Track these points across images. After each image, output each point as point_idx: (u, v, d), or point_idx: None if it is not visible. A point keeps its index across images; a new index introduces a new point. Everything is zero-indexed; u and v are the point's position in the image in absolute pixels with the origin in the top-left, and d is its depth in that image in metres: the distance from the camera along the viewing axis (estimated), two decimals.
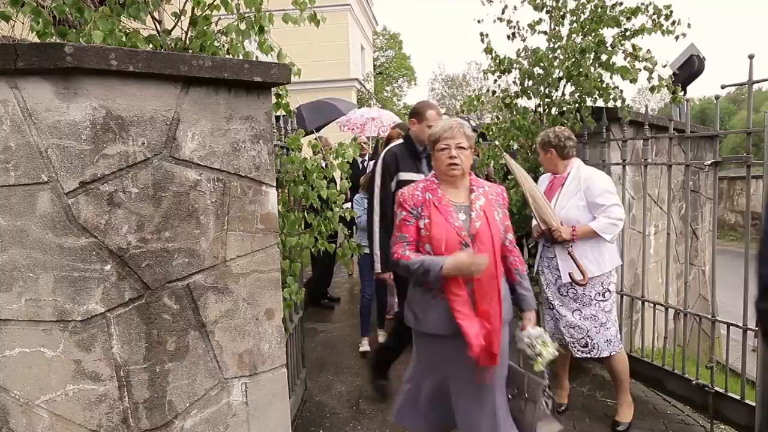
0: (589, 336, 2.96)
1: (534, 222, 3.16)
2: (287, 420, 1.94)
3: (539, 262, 3.23)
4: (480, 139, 4.44)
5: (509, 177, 4.24)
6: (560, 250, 3.02)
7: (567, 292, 3.03)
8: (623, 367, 3.04)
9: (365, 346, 4.36)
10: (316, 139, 6.00)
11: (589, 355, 3.00)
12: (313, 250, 2.66)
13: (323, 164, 2.75)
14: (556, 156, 3.09)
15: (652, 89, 3.75)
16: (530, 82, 4.08)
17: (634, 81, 3.74)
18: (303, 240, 2.54)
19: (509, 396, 2.27)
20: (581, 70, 3.74)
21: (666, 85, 3.71)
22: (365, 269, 4.41)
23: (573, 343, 3.02)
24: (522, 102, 4.19)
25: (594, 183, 2.96)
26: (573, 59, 3.77)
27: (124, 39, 1.81)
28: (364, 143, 6.69)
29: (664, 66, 3.81)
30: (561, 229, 2.95)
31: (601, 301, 2.97)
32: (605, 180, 3.02)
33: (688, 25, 3.68)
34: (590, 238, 2.93)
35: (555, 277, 3.08)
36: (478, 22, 4.18)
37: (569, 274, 2.95)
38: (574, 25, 3.95)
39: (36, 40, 1.77)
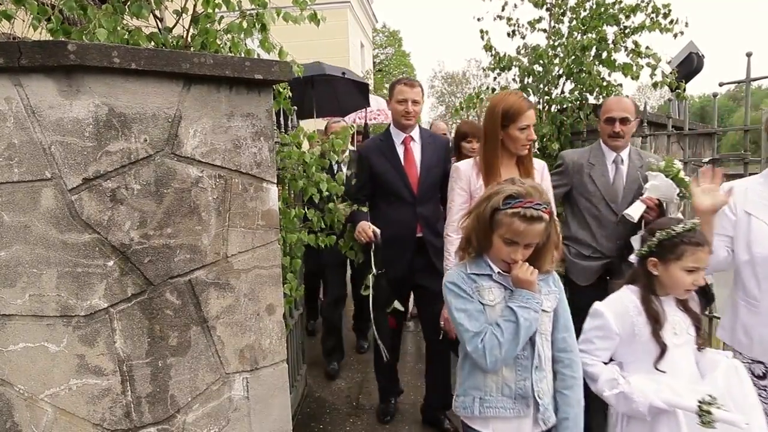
0: None
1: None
2: (288, 415, 1.95)
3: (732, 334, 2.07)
4: None
5: None
6: None
7: None
8: None
9: None
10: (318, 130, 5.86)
11: None
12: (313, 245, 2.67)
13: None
14: None
15: (654, 85, 3.76)
16: (530, 80, 4.09)
17: (636, 78, 3.76)
18: (303, 236, 2.55)
19: None
20: (582, 67, 3.75)
21: (669, 82, 3.73)
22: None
23: None
24: None
25: None
26: (573, 56, 3.78)
27: (126, 37, 1.82)
28: None
29: (669, 62, 3.83)
30: None
31: None
32: None
33: (686, 24, 3.70)
34: None
35: None
36: (478, 20, 4.19)
37: None
38: (574, 22, 3.97)
39: (37, 37, 1.78)
